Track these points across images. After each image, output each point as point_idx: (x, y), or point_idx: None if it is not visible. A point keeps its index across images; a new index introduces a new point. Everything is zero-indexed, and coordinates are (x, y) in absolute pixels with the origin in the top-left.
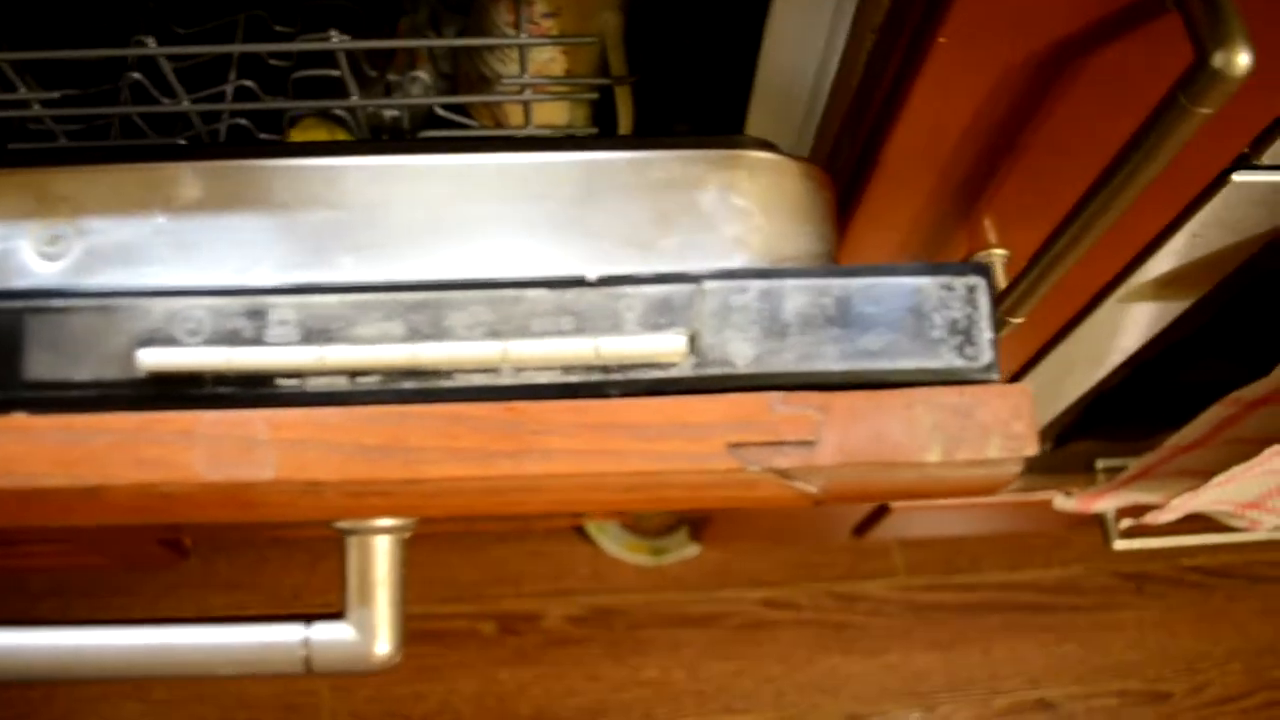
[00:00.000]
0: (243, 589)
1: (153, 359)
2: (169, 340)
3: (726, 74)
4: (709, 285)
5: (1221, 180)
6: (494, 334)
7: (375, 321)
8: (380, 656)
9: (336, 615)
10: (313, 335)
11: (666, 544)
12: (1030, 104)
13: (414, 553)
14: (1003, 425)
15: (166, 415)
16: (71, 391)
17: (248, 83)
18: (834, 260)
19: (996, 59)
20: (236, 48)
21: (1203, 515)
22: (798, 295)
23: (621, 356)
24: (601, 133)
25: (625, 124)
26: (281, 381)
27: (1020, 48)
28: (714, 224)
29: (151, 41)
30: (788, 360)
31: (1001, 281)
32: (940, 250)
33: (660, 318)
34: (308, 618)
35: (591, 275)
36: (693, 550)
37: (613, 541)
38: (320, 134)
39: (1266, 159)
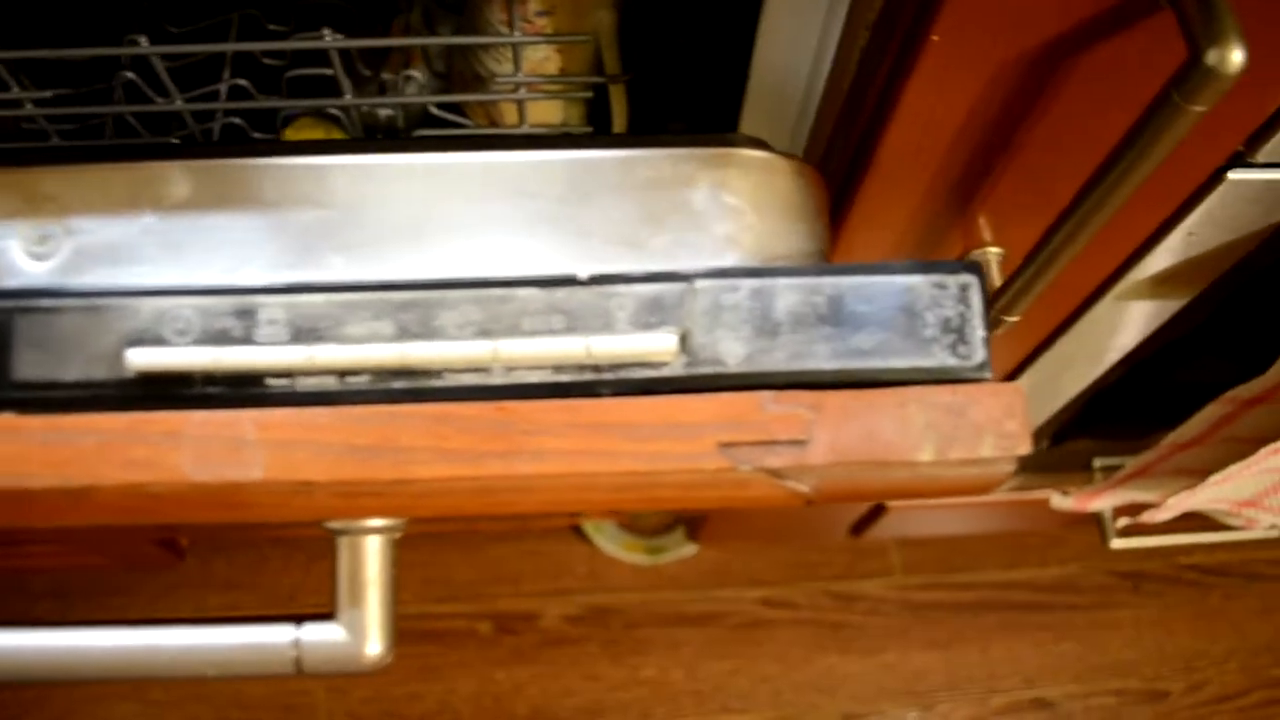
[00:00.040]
0: (240, 589)
1: (141, 359)
2: (157, 340)
3: (720, 73)
4: (700, 284)
5: (1217, 178)
6: (484, 333)
7: (365, 321)
8: (371, 657)
9: (327, 616)
10: (302, 335)
11: (664, 543)
12: (1024, 102)
13: (411, 552)
14: (996, 424)
15: (155, 415)
16: (60, 391)
17: (242, 82)
18: (827, 259)
19: (989, 57)
20: (230, 47)
21: (1200, 514)
22: (789, 294)
23: (613, 356)
24: (596, 131)
25: (620, 123)
26: (270, 381)
27: (1013, 45)
28: (705, 222)
29: (144, 40)
30: (779, 359)
31: (997, 280)
32: (935, 249)
33: (651, 317)
34: (298, 618)
35: (582, 274)
36: (690, 549)
37: (610, 541)
38: (315, 133)
39: (1262, 156)
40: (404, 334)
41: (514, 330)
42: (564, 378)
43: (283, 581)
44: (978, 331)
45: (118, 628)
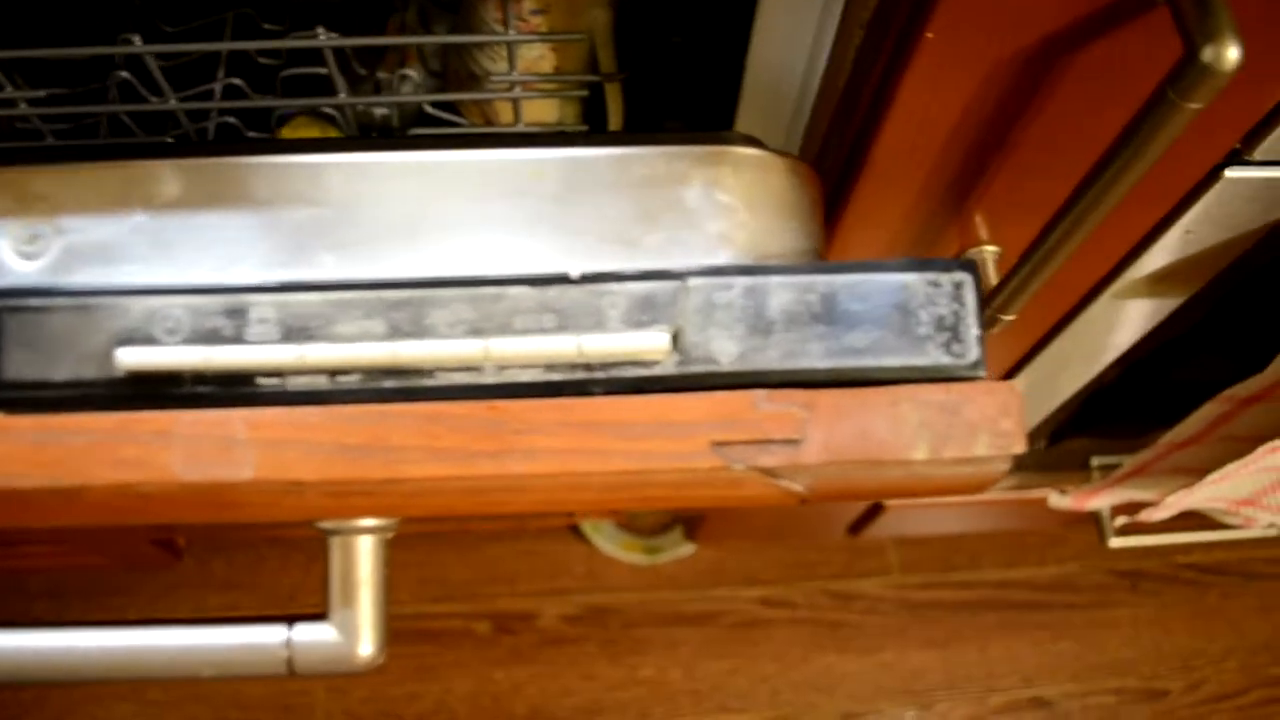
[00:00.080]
0: (239, 589)
1: (131, 358)
2: (148, 339)
3: (716, 71)
4: (693, 282)
5: (1214, 176)
6: (476, 332)
7: (356, 320)
8: (363, 657)
9: (320, 616)
10: (293, 334)
11: (661, 543)
12: (1019, 100)
13: (408, 552)
14: (990, 423)
15: (145, 415)
16: (49, 391)
17: (236, 81)
18: (821, 257)
19: (984, 54)
20: (224, 46)
21: (1198, 512)
22: (782, 292)
23: (604, 354)
24: (591, 130)
25: (615, 121)
26: (261, 380)
27: (1008, 43)
28: (698, 220)
29: (138, 40)
30: (772, 358)
31: (993, 278)
32: (931, 248)
33: (644, 315)
34: (290, 619)
35: (574, 272)
36: (687, 549)
37: (607, 540)
38: (311, 133)
39: (1259, 154)
40: (395, 333)
41: (506, 329)
42: (556, 376)
43: (281, 581)
44: (972, 330)
45: (110, 629)
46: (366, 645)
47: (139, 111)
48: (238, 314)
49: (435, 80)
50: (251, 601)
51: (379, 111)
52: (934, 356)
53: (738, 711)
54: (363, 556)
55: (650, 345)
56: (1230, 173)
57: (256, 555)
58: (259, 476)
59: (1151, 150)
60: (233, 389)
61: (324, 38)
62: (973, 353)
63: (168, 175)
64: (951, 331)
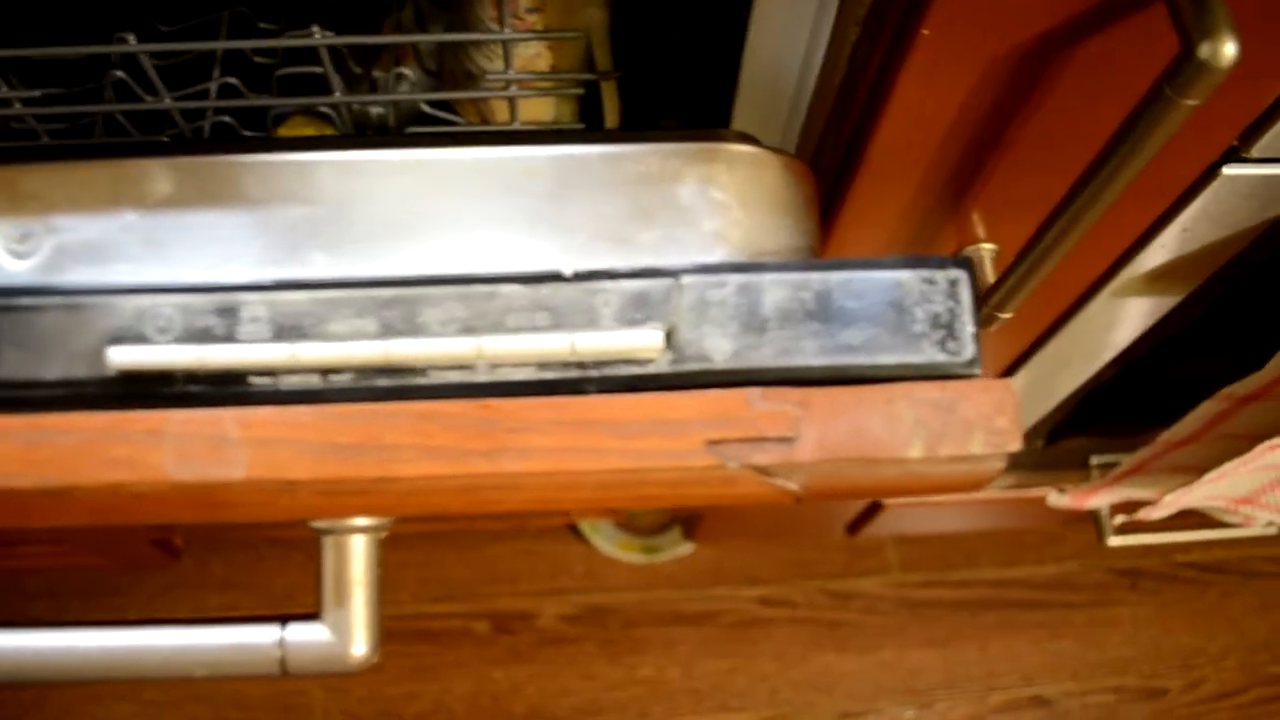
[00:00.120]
0: (238, 589)
1: (122, 357)
2: (139, 338)
3: (712, 69)
4: (686, 280)
5: (1211, 173)
6: (468, 330)
7: (348, 318)
8: (357, 657)
9: (313, 616)
10: (285, 332)
11: (660, 542)
12: (1016, 97)
13: (407, 552)
14: (986, 420)
15: (136, 414)
16: (40, 390)
17: (232, 80)
18: (816, 254)
19: (981, 51)
20: (219, 45)
21: (1197, 511)
22: (777, 290)
23: (598, 352)
24: (587, 129)
25: (611, 120)
26: (253, 379)
27: (1005, 40)
28: (693, 218)
29: (132, 39)
30: (767, 355)
31: (990, 276)
32: (928, 246)
33: (637, 313)
34: (283, 619)
35: (568, 270)
36: (686, 548)
37: (606, 540)
38: (307, 132)
39: (1256, 151)
40: (388, 331)
41: (498, 327)
42: (549, 375)
43: (280, 581)
44: (967, 327)
45: (102, 629)
46: (360, 645)
47: (134, 111)
48: (229, 313)
49: (432, 79)
50: (250, 601)
51: (375, 111)
52: (929, 354)
53: (737, 711)
54: (356, 556)
55: (644, 343)
56: (1228, 170)
57: (255, 555)
58: (251, 476)
59: (1148, 147)
60: (225, 388)
61: (319, 36)
62: (968, 350)
63: (159, 174)
64: (947, 329)
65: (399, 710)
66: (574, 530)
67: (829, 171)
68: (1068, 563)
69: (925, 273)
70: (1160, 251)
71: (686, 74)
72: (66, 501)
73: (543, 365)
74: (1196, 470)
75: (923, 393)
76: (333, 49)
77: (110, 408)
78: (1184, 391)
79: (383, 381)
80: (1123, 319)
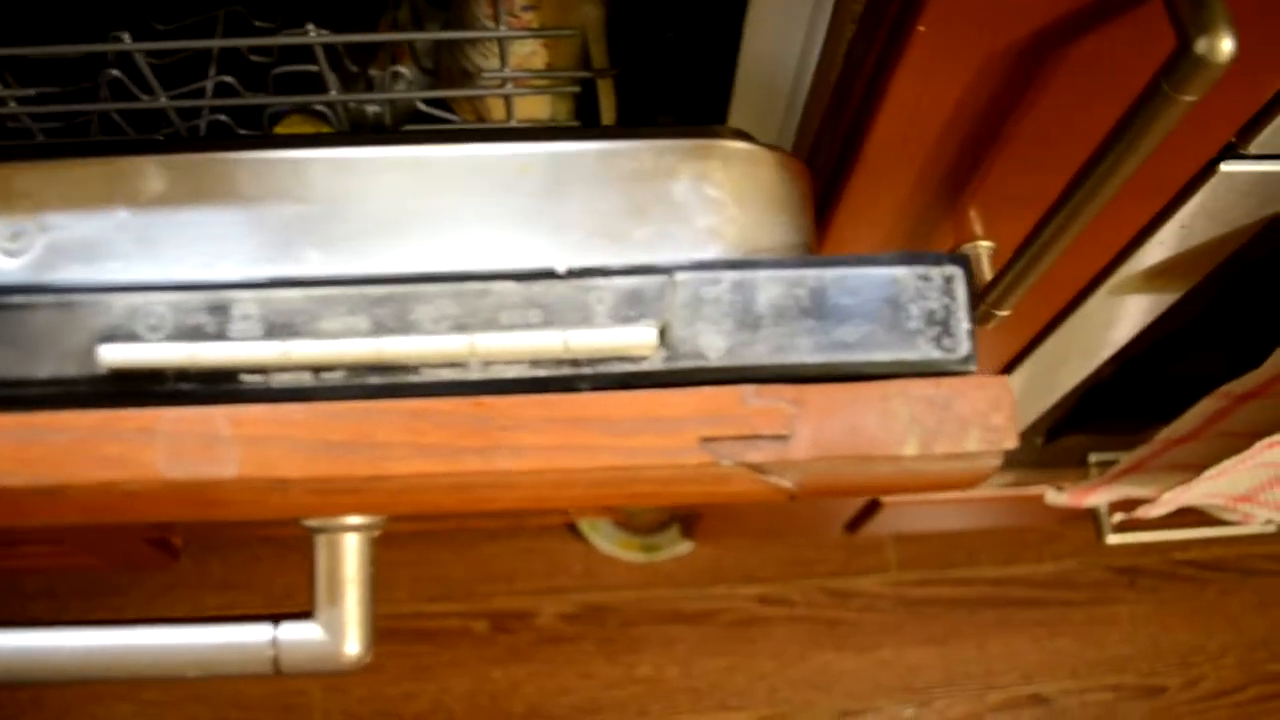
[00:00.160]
0: (237, 588)
1: (114, 355)
2: (130, 336)
3: (709, 67)
4: (680, 277)
5: (1209, 170)
6: (461, 328)
7: (340, 316)
8: (350, 656)
9: (305, 615)
10: (276, 330)
11: (659, 541)
12: (1013, 93)
13: (405, 551)
14: (981, 417)
15: (127, 413)
16: (31, 389)
17: (228, 79)
18: (811, 252)
19: (977, 47)
20: (214, 43)
21: (1195, 509)
22: (771, 286)
23: (591, 350)
24: (582, 126)
25: (608, 117)
26: (245, 377)
27: (1001, 36)
28: (687, 215)
29: (127, 37)
30: (761, 353)
31: (988, 274)
32: (925, 244)
33: (631, 310)
34: (276, 618)
35: (561, 268)
36: (685, 547)
37: (605, 539)
38: (304, 131)
39: (1254, 148)
40: (380, 329)
41: (491, 325)
42: (542, 372)
43: (278, 581)
44: (963, 324)
45: (94, 628)
46: (353, 644)
47: (130, 110)
48: (221, 310)
49: (428, 78)
50: (249, 601)
51: (371, 109)
52: (924, 351)
53: (735, 709)
54: (349, 555)
55: (637, 340)
56: (1226, 166)
57: (253, 555)
58: (243, 474)
59: (1145, 143)
60: (216, 386)
61: (314, 34)
62: (964, 347)
63: (152, 172)
64: (942, 326)
65: (398, 710)
66: (572, 529)
67: (825, 169)
68: (1066, 561)
69: (920, 269)
70: (1158, 248)
71: (683, 71)
72: (58, 500)
73: (536, 363)
74: (1195, 468)
75: (918, 390)
76: (329, 47)
77: (102, 406)
78: (1182, 389)
79: (375, 379)
80: (1121, 316)
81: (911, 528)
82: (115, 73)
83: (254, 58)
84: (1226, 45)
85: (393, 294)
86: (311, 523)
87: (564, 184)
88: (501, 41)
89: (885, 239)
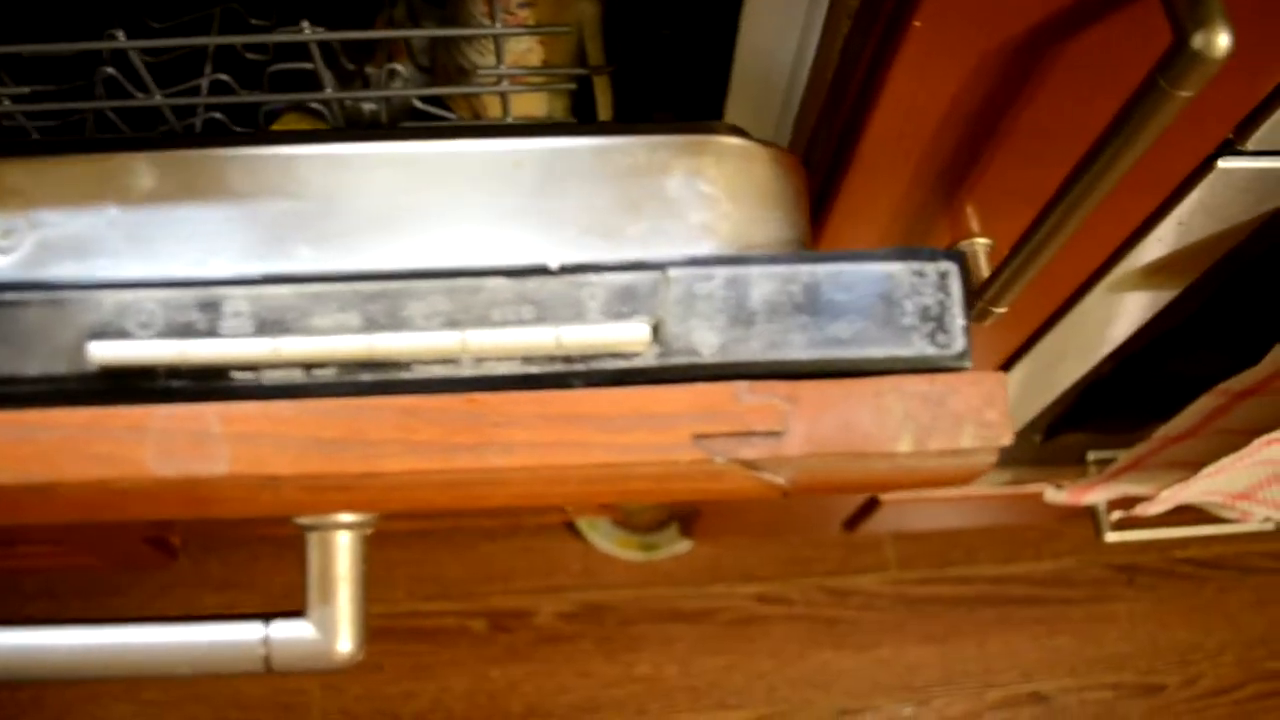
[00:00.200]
0: (236, 588)
1: (104, 352)
2: (121, 333)
3: (705, 63)
4: (674, 273)
5: (1207, 166)
6: (453, 324)
7: (331, 313)
8: (342, 654)
9: (297, 614)
10: (267, 327)
11: (657, 540)
12: (1009, 89)
13: (403, 550)
14: (976, 414)
15: (118, 410)
16: (21, 387)
17: (223, 77)
18: (806, 248)
19: (973, 43)
20: (208, 40)
21: (1194, 507)
22: (765, 282)
23: (584, 346)
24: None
25: (604, 115)
26: (236, 374)
27: (997, 31)
28: (681, 210)
29: (121, 35)
30: (754, 349)
31: (985, 271)
32: (922, 241)
33: (624, 306)
34: (267, 616)
35: (553, 264)
36: (684, 546)
37: (603, 537)
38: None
39: (1252, 144)
40: (371, 325)
41: (483, 321)
42: (534, 369)
43: (277, 580)
44: (957, 320)
45: (85, 626)
46: (345, 642)
47: (125, 108)
48: (212, 307)
49: (425, 76)
50: (248, 600)
51: (367, 107)
52: (919, 347)
53: (734, 708)
54: (341, 552)
55: (630, 337)
56: (1223, 163)
57: (252, 554)
58: (234, 471)
59: (1142, 139)
60: (207, 383)
61: (310, 32)
62: (958, 343)
63: (143, 168)
64: (937, 322)
65: (396, 709)
66: (571, 528)
67: (821, 166)
68: (1065, 559)
69: (915, 265)
70: (1156, 245)
71: (679, 68)
72: (49, 498)
73: (528, 359)
74: (1193, 466)
75: (912, 386)
76: (325, 45)
77: (92, 403)
78: (1181, 386)
79: (366, 376)
80: (1119, 314)
81: (910, 526)
82: (110, 71)
83: (250, 55)
84: (1223, 40)
85: (384, 290)
86: (303, 520)
87: (557, 180)
88: (497, 38)
89: (882, 236)
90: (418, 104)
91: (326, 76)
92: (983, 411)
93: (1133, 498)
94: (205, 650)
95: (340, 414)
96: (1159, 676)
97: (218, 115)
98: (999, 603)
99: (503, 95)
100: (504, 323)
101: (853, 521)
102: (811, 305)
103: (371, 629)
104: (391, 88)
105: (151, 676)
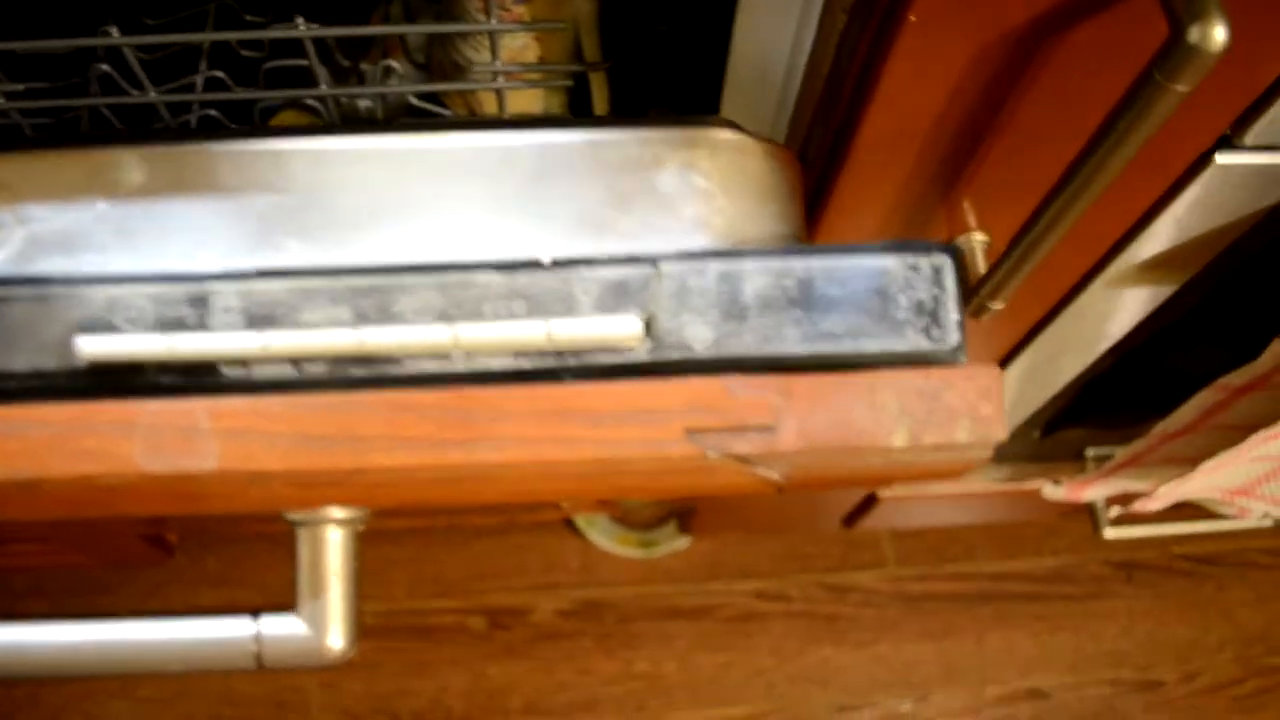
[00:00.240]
0: (232, 585)
1: (92, 348)
2: (109, 328)
3: (701, 59)
4: (666, 267)
5: (1204, 162)
6: (444, 319)
7: (321, 307)
8: (334, 651)
9: (288, 609)
10: (257, 322)
11: (656, 536)
12: (1005, 83)
13: (401, 548)
14: (971, 408)
15: (106, 405)
16: (9, 382)
17: (218, 74)
18: (800, 243)
19: (968, 38)
20: (202, 36)
21: (1193, 503)
22: (758, 277)
23: (575, 341)
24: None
25: (600, 111)
26: (225, 370)
27: (993, 26)
28: (674, 205)
29: (115, 31)
30: (747, 343)
31: (982, 266)
32: (919, 237)
33: (616, 301)
34: (257, 611)
35: (545, 258)
36: (682, 542)
37: (602, 535)
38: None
39: (1249, 139)
40: (362, 320)
41: (474, 316)
42: (526, 364)
43: (274, 577)
44: (952, 314)
45: (74, 623)
46: (337, 638)
47: (120, 105)
48: (201, 302)
49: (421, 72)
50: (245, 597)
51: (363, 104)
52: (913, 341)
53: (733, 705)
54: (332, 548)
55: (623, 331)
56: (1221, 158)
57: (248, 551)
58: (222, 467)
59: (1139, 134)
60: (196, 378)
61: (304, 28)
62: (953, 337)
63: (131, 163)
64: (931, 316)
65: (394, 707)
66: (569, 525)
67: (817, 161)
68: (1064, 556)
69: (909, 258)
70: (1154, 241)
71: (675, 64)
72: (36, 494)
73: (519, 354)
74: (1192, 461)
75: (907, 380)
76: (320, 42)
77: (80, 399)
78: (1180, 382)
79: (357, 371)
80: (1118, 309)
81: (909, 523)
82: (105, 68)
83: (245, 53)
84: (1219, 34)
85: (375, 285)
86: (293, 516)
87: (549, 174)
88: (493, 35)
89: (878, 232)
90: (414, 101)
91: (322, 73)
92: (978, 406)
93: (1131, 494)
94: (196, 647)
95: (330, 410)
96: (1158, 673)
97: (212, 112)
98: (998, 599)
99: (499, 92)
100: (495, 317)
101: (851, 518)
102: (805, 299)
103: (370, 627)
104: (387, 85)
105: (141, 673)
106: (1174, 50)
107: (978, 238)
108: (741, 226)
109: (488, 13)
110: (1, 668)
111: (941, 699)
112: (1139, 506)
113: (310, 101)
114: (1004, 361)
